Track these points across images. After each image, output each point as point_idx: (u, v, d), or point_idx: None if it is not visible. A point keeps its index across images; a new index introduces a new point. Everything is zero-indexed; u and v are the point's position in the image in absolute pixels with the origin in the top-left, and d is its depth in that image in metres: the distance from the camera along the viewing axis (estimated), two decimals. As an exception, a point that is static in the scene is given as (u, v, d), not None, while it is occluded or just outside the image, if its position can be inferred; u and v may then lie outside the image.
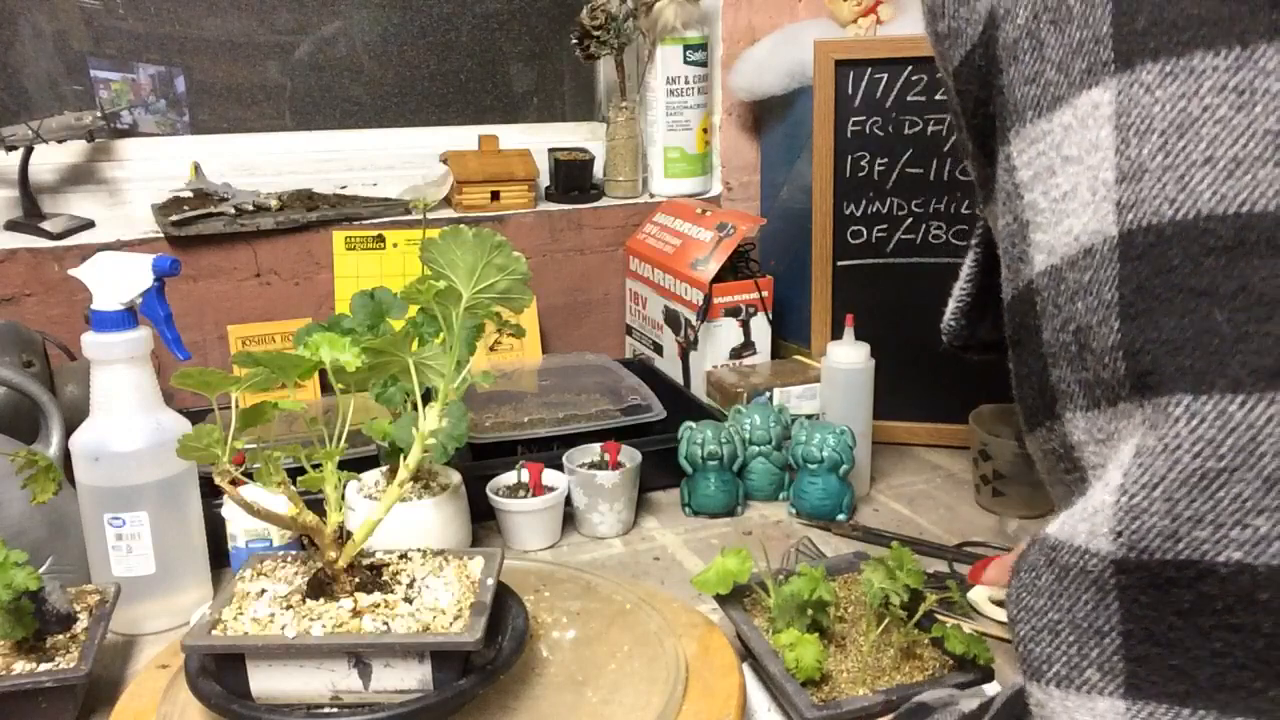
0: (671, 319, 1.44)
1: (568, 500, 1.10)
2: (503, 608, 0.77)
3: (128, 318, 0.89)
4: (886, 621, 0.80)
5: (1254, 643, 0.33)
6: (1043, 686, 0.39)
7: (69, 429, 0.94)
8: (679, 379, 1.43)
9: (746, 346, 1.40)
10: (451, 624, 0.69)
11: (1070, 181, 0.39)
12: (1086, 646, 0.37)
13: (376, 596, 0.72)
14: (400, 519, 0.92)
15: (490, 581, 0.74)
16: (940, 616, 0.86)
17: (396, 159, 1.59)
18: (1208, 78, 0.35)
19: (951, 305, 0.60)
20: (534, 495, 1.08)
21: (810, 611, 0.80)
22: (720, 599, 0.85)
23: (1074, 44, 0.39)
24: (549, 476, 1.10)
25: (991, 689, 0.77)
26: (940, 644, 0.79)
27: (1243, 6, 0.35)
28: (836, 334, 1.22)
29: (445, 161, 1.52)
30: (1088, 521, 0.36)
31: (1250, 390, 0.33)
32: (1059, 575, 0.37)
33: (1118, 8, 0.37)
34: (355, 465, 1.03)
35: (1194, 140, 0.35)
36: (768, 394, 1.29)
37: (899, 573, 0.79)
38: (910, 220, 1.32)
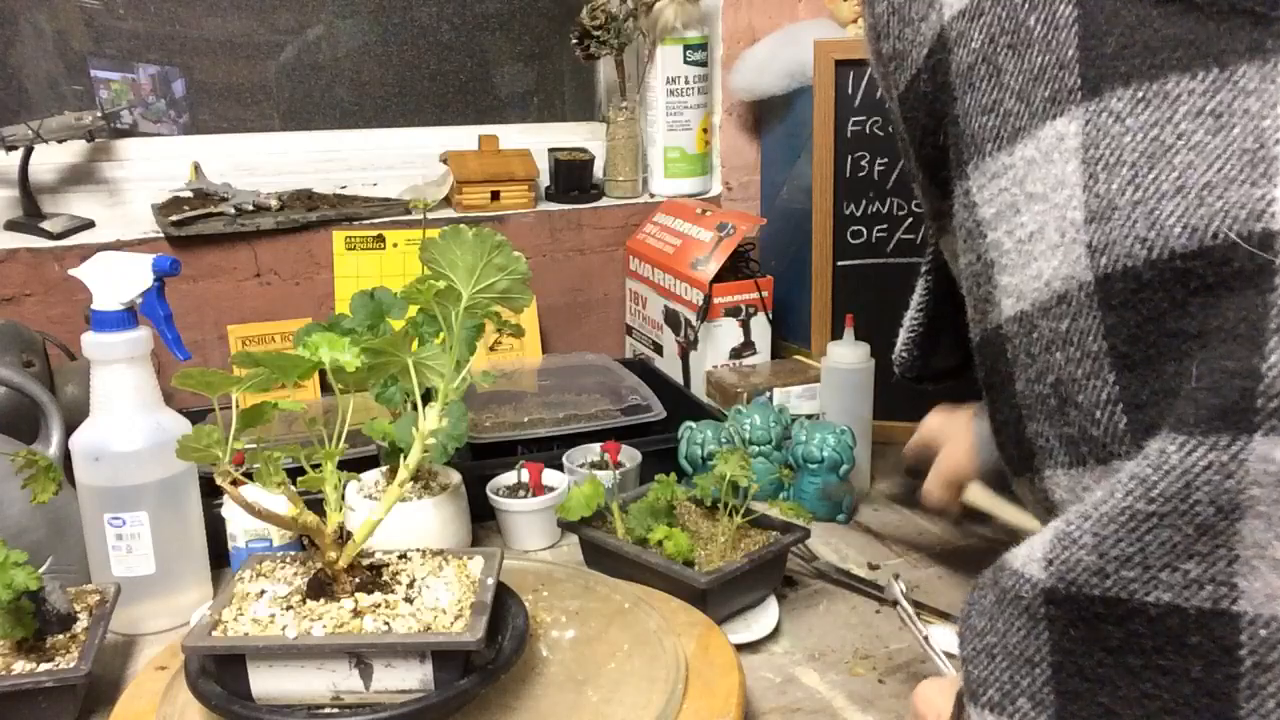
0: (671, 319, 1.44)
1: (568, 500, 1.10)
2: (503, 607, 0.77)
3: (128, 318, 0.89)
4: (730, 508, 0.93)
5: (1182, 687, 0.31)
6: (979, 710, 0.38)
7: (69, 429, 0.94)
8: (679, 379, 1.43)
9: (746, 346, 1.40)
10: (452, 624, 0.69)
11: (1036, 221, 0.36)
12: (1019, 674, 0.35)
13: (377, 597, 0.72)
14: (400, 519, 0.92)
15: (490, 581, 0.74)
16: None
17: (396, 159, 1.59)
18: (1183, 102, 0.32)
19: (903, 336, 0.56)
20: (534, 495, 1.08)
21: (673, 511, 0.96)
22: (581, 525, 0.95)
23: (1035, 70, 0.36)
24: (549, 476, 1.10)
25: None
26: (760, 524, 0.95)
27: (1222, 25, 0.32)
28: (836, 334, 1.22)
29: (445, 161, 1.52)
30: (1028, 546, 0.35)
31: (1192, 431, 0.30)
32: (999, 598, 0.36)
33: (1085, 29, 0.34)
34: (355, 465, 1.02)
35: (1166, 169, 0.32)
36: (768, 394, 1.28)
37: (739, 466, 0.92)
38: (910, 220, 1.32)
